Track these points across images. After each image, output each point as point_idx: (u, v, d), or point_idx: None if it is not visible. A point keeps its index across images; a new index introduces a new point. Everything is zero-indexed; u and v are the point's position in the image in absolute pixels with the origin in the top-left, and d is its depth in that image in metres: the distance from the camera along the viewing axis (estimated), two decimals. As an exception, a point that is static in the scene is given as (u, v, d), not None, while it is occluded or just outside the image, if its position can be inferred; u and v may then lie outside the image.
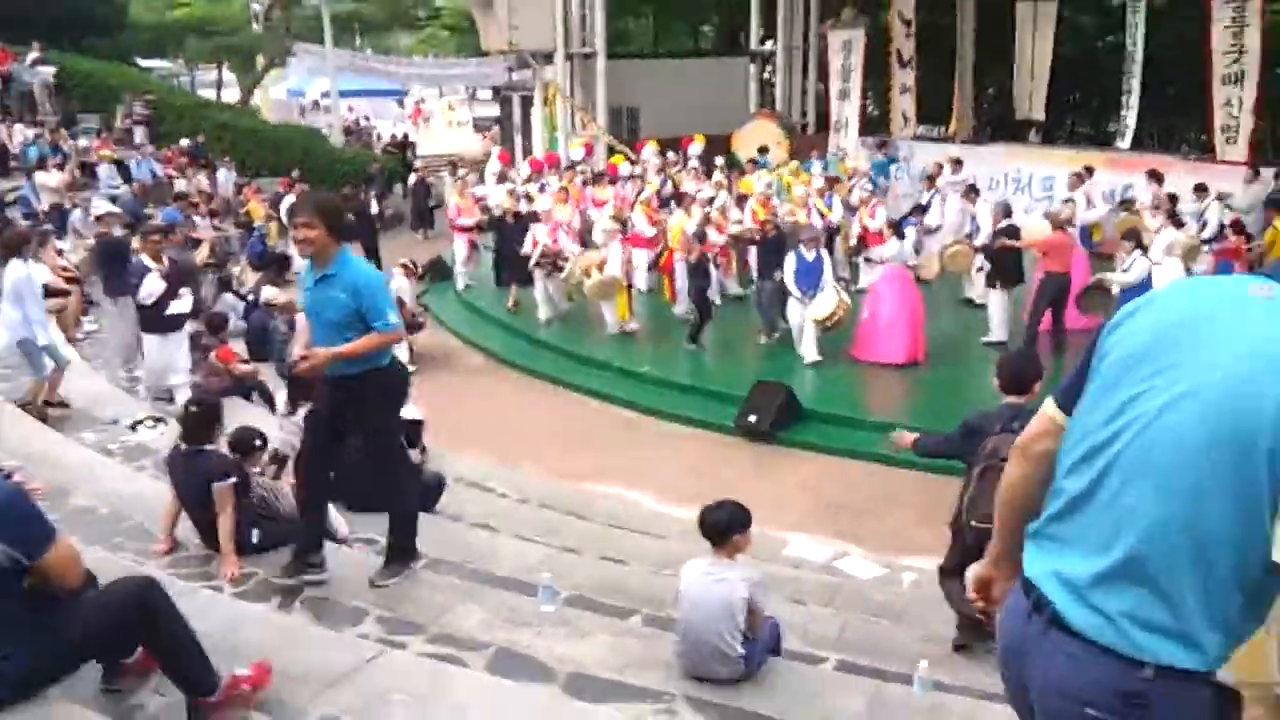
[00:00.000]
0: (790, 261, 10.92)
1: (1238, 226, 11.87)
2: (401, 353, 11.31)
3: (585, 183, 16.08)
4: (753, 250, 13.50)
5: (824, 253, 11.35)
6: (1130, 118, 17.13)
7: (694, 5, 31.24)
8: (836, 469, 9.13)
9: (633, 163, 17.63)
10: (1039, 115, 19.30)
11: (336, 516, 6.02)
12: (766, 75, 24.70)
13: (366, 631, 4.64)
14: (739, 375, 10.80)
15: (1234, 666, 1.67)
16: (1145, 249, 10.47)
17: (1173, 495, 1.57)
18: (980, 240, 12.83)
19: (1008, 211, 11.65)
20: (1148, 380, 1.63)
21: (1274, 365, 1.51)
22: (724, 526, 4.17)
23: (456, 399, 11.09)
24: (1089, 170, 14.59)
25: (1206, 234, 13.00)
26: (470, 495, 7.81)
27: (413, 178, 22.19)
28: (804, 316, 10.98)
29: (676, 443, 9.97)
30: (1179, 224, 11.69)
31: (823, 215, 13.47)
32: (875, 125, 21.42)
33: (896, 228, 12.13)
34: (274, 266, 17.52)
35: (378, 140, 32.34)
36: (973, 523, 4.57)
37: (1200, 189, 13.54)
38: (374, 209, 17.81)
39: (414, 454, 8.52)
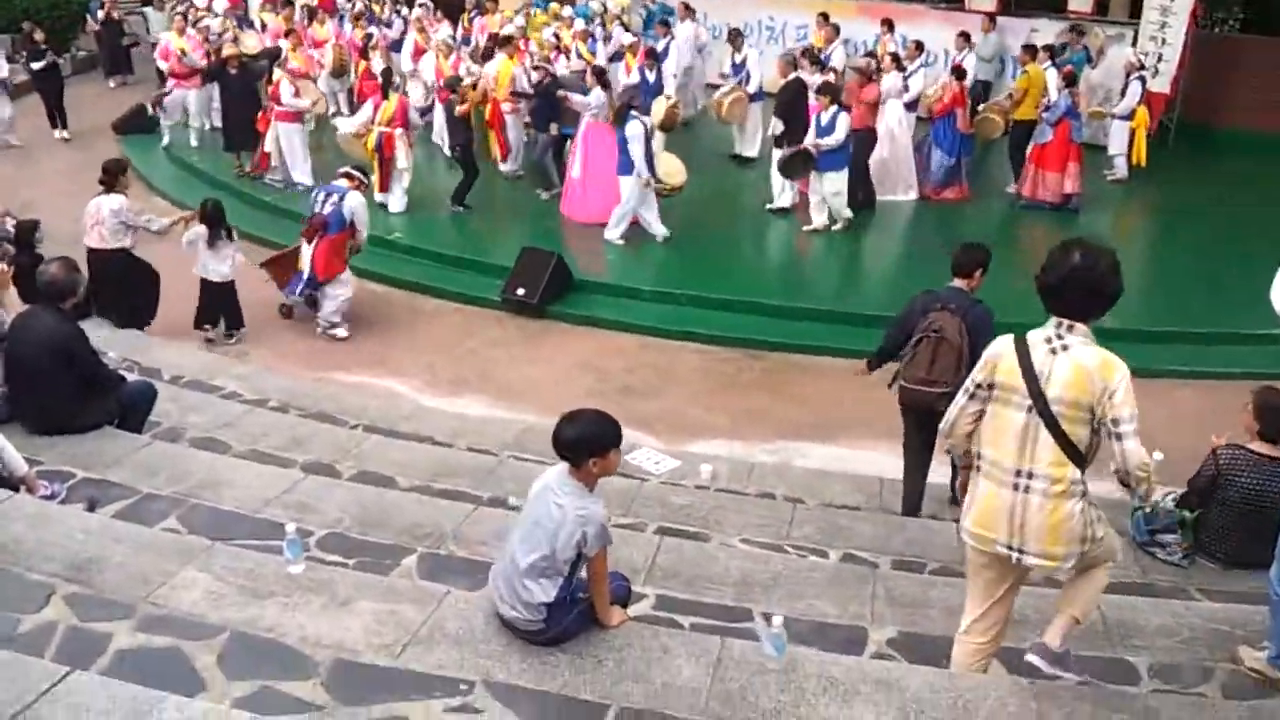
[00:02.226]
0: (637, 130, 9.40)
1: (959, 73, 11.70)
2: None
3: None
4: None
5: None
6: (884, -36, 16.79)
7: None
8: (613, 345, 8.46)
9: None
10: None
11: (9, 451, 4.70)
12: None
13: (53, 618, 3.53)
14: (505, 242, 9.80)
15: None
16: (845, 106, 10.02)
17: None
18: (751, 88, 12.23)
19: (794, 64, 10.89)
20: None
21: None
22: (576, 444, 3.26)
23: (172, 279, 9.40)
24: (825, 17, 14.08)
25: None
26: (193, 400, 6.48)
27: (100, 13, 18.83)
28: (646, 188, 9.76)
29: (437, 321, 8.95)
30: (901, 68, 11.51)
31: (587, 61, 12.34)
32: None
33: (600, 75, 10.83)
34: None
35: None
36: (903, 382, 5.22)
37: (963, 36, 13.50)
38: (44, 61, 14.46)
39: (111, 356, 7.06)
